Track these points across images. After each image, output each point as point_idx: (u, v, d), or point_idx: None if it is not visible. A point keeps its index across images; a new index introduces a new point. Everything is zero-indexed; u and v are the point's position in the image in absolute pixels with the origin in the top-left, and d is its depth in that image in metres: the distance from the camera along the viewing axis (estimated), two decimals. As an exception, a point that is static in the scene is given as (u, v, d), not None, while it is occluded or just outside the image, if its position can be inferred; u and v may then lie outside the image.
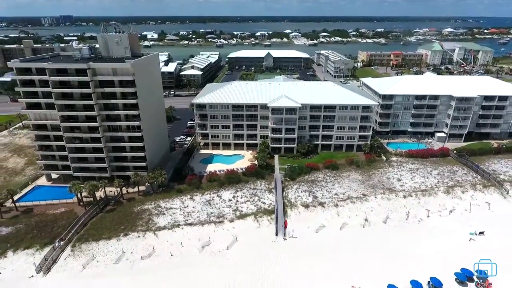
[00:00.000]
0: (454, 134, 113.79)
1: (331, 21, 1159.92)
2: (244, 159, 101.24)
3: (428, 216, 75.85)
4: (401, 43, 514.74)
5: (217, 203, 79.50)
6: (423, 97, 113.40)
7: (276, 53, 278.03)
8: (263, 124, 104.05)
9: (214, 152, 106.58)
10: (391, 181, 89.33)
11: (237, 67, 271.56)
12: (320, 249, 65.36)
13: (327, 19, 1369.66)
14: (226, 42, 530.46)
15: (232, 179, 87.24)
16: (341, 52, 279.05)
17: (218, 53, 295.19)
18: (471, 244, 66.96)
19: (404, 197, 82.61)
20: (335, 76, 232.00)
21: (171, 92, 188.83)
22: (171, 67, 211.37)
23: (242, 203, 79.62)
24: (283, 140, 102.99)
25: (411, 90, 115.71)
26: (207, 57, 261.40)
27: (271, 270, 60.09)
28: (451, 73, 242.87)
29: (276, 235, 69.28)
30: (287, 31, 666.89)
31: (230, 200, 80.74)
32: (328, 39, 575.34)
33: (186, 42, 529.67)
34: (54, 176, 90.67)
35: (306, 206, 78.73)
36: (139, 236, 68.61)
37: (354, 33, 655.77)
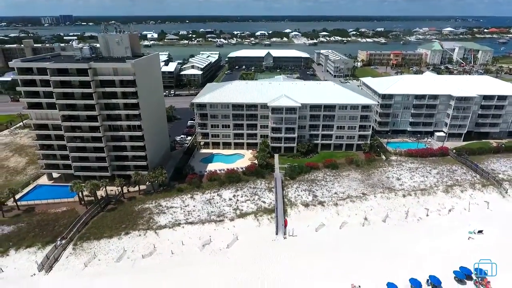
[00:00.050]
0: (453, 134, 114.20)
1: (331, 21, 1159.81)
2: (244, 159, 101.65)
3: (427, 215, 76.30)
4: (401, 42, 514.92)
5: (217, 202, 79.94)
6: (422, 96, 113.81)
7: (276, 52, 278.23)
8: (263, 124, 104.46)
9: (215, 151, 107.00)
10: (390, 180, 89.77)
11: (237, 67, 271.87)
12: (320, 248, 65.80)
13: (327, 18, 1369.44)
14: (226, 41, 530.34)
15: (232, 178, 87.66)
16: (341, 52, 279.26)
17: (218, 52, 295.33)
18: (470, 243, 67.42)
19: (404, 196, 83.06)
20: (335, 76, 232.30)
21: (171, 92, 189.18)
22: (171, 66, 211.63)
23: (243, 202, 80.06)
24: (283, 140, 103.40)
25: (410, 89, 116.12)
26: (207, 57, 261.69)
27: (271, 268, 60.54)
28: (451, 73, 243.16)
29: (276, 234, 69.74)
30: (287, 30, 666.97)
31: (230, 199, 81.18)
32: (328, 38, 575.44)
33: (186, 41, 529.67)
34: (55, 175, 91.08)
35: (306, 205, 79.17)
36: (140, 235, 69.07)
37: (354, 32, 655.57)
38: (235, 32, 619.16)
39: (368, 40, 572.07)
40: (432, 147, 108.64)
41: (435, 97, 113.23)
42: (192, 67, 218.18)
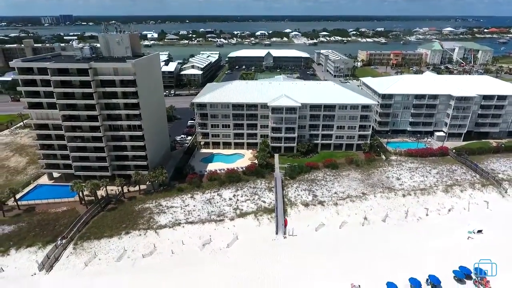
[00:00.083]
0: (453, 134, 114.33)
1: (331, 21, 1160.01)
2: (245, 158, 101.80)
3: (427, 215, 76.44)
4: (401, 42, 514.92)
5: (217, 202, 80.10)
6: (422, 96, 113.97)
7: (276, 52, 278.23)
8: (263, 124, 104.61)
9: (215, 151, 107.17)
10: (390, 180, 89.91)
11: (237, 67, 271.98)
12: (320, 248, 65.96)
13: (327, 18, 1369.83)
14: (226, 41, 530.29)
15: (232, 178, 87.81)
16: (341, 52, 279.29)
17: (218, 52, 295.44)
18: (469, 243, 67.57)
19: (403, 196, 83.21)
20: (335, 76, 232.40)
21: (172, 92, 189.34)
22: (172, 66, 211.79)
23: (243, 201, 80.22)
24: (283, 139, 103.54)
25: (410, 89, 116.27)
26: (207, 57, 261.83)
27: (271, 268, 60.69)
28: (451, 73, 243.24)
29: (276, 233, 69.89)
30: (287, 30, 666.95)
31: (230, 198, 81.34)
32: (328, 38, 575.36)
33: (186, 41, 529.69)
34: (55, 175, 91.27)
35: (306, 204, 79.33)
36: (140, 234, 69.24)
37: (354, 32, 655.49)
38: (235, 32, 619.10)
39: (368, 40, 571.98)
40: (432, 147, 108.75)
41: (435, 97, 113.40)
42: (192, 67, 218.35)
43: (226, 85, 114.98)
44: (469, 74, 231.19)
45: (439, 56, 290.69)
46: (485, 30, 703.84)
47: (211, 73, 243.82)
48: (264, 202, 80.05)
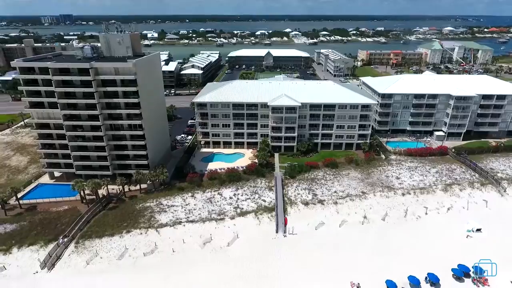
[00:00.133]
0: (452, 133, 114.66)
1: (331, 20, 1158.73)
2: (245, 158, 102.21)
3: (426, 214, 76.86)
4: (401, 42, 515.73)
5: (218, 201, 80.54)
6: (422, 96, 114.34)
7: (276, 52, 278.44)
8: (263, 123, 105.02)
9: (215, 150, 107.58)
10: (390, 179, 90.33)
11: (237, 66, 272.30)
12: (320, 246, 66.38)
13: (327, 18, 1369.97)
14: (226, 41, 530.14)
15: (232, 177, 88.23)
16: (341, 51, 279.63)
17: (218, 52, 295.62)
18: (468, 241, 68.04)
19: (403, 194, 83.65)
20: (335, 75, 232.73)
21: (172, 91, 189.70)
22: (172, 66, 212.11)
23: (243, 200, 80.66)
24: (283, 139, 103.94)
25: (410, 89, 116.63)
26: (207, 56, 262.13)
27: (271, 266, 61.11)
28: (451, 72, 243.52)
29: (276, 232, 70.33)
30: (287, 30, 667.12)
31: (231, 197, 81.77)
32: (328, 38, 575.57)
33: (186, 41, 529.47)
34: (56, 174, 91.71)
35: (306, 203, 79.76)
36: (141, 233, 69.69)
37: (354, 32, 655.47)
38: (235, 32, 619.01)
39: (368, 39, 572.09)
40: (431, 146, 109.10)
41: (434, 96, 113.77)
42: (193, 66, 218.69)
43: (226, 84, 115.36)
44: (469, 73, 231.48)
45: (439, 56, 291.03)
46: (485, 30, 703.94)
47: (211, 73, 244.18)
48: (264, 201, 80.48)
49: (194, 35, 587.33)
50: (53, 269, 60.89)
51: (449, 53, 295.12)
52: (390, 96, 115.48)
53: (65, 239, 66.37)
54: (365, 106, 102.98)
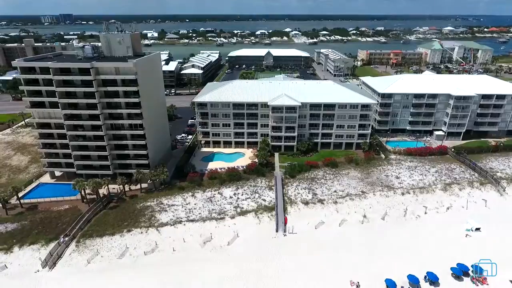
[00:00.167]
0: (452, 133, 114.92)
1: (331, 20, 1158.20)
2: (245, 157, 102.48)
3: (425, 213, 77.15)
4: (401, 41, 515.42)
5: (218, 200, 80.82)
6: (421, 95, 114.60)
7: (276, 51, 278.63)
8: (263, 123, 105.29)
9: (215, 150, 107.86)
10: (389, 178, 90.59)
11: (237, 66, 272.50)
12: (319, 245, 66.66)
13: (327, 17, 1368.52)
14: (226, 40, 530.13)
15: (233, 177, 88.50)
16: (341, 51, 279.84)
17: (218, 52, 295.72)
18: (467, 240, 68.32)
19: (402, 194, 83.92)
20: (335, 75, 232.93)
21: (172, 91, 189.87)
22: (172, 66, 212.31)
23: (243, 200, 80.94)
24: (283, 138, 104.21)
25: (410, 89, 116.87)
26: (207, 56, 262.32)
27: (271, 265, 61.43)
28: (451, 72, 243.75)
29: (276, 231, 70.63)
30: (287, 29, 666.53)
31: (231, 197, 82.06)
32: (328, 37, 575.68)
33: (186, 41, 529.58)
34: (57, 173, 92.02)
35: (306, 203, 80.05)
36: (142, 232, 69.98)
37: (354, 31, 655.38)
38: (235, 31, 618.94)
39: (368, 39, 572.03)
40: (431, 146, 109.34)
41: (434, 96, 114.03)
42: (193, 66, 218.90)
43: (227, 84, 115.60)
44: (469, 73, 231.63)
45: (439, 56, 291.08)
46: (485, 30, 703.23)
47: (212, 73, 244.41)
48: (264, 200, 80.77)
49: (194, 35, 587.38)
50: (54, 268, 61.20)
51: (449, 53, 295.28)
52: (390, 95, 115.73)
53: (66, 238, 66.68)
54: (365, 106, 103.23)
